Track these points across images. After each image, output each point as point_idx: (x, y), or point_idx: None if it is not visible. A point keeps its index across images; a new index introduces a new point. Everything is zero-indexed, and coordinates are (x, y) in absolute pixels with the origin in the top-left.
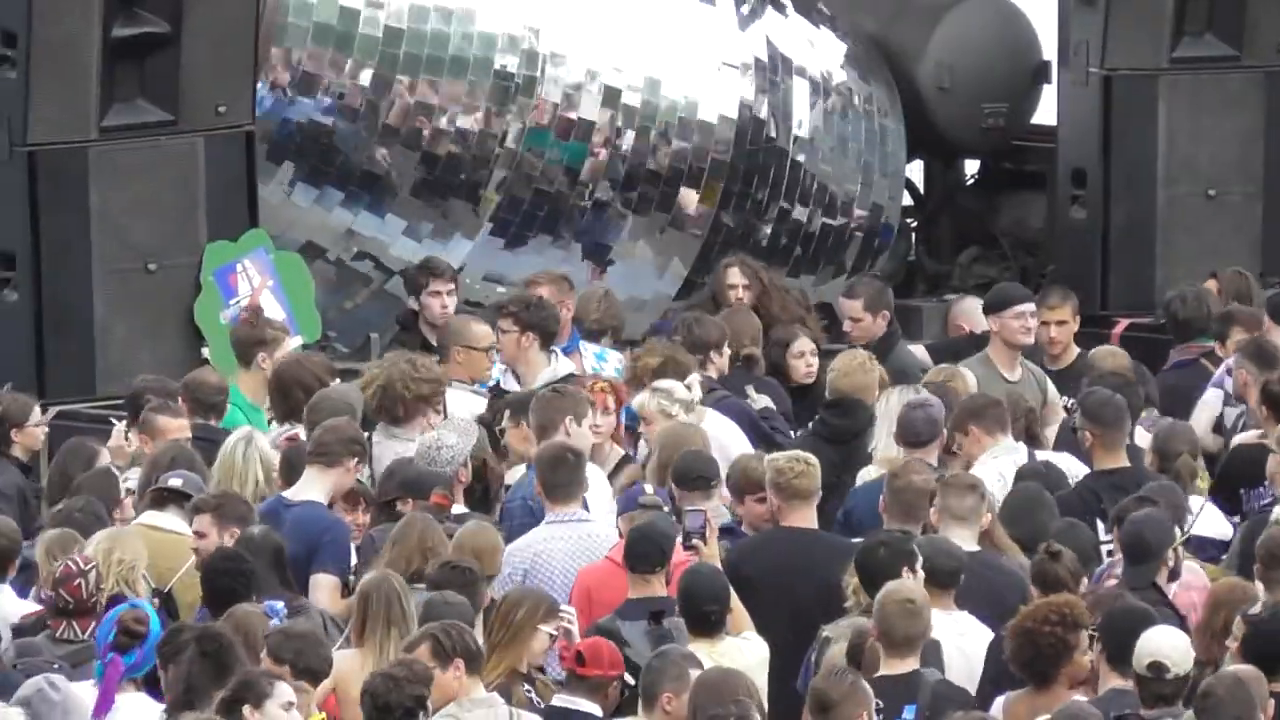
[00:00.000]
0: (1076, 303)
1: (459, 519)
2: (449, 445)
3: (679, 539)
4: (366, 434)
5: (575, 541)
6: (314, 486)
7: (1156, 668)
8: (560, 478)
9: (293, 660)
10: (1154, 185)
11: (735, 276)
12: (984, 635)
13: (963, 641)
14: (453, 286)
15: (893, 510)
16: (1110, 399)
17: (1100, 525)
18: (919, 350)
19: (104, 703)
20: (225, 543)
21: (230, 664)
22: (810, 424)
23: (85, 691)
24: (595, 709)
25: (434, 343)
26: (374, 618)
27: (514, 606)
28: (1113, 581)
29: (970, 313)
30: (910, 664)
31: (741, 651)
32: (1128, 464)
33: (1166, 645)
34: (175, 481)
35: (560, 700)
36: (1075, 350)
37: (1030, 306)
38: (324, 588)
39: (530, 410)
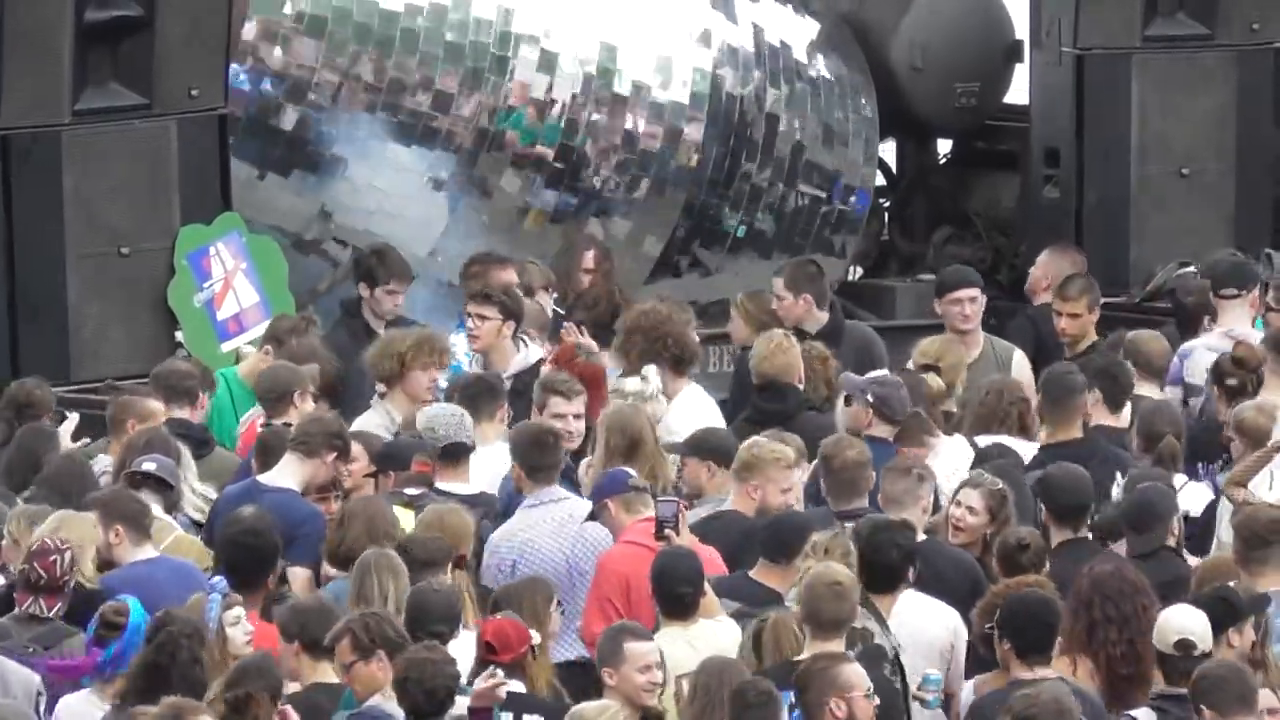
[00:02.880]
0: (1098, 295)
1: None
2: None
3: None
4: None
5: (559, 524)
6: (291, 474)
7: (1184, 645)
8: (545, 459)
9: (299, 634)
10: (1127, 164)
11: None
12: (930, 610)
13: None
14: (406, 288)
15: (835, 490)
16: (1061, 376)
17: None
18: None
19: (61, 674)
20: (109, 540)
21: (171, 679)
22: (743, 411)
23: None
24: (520, 685)
25: (379, 332)
26: (366, 596)
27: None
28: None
29: None
30: (835, 646)
31: (716, 634)
32: (1079, 435)
33: (1191, 622)
34: (149, 465)
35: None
36: (1091, 339)
37: (970, 293)
38: (299, 580)
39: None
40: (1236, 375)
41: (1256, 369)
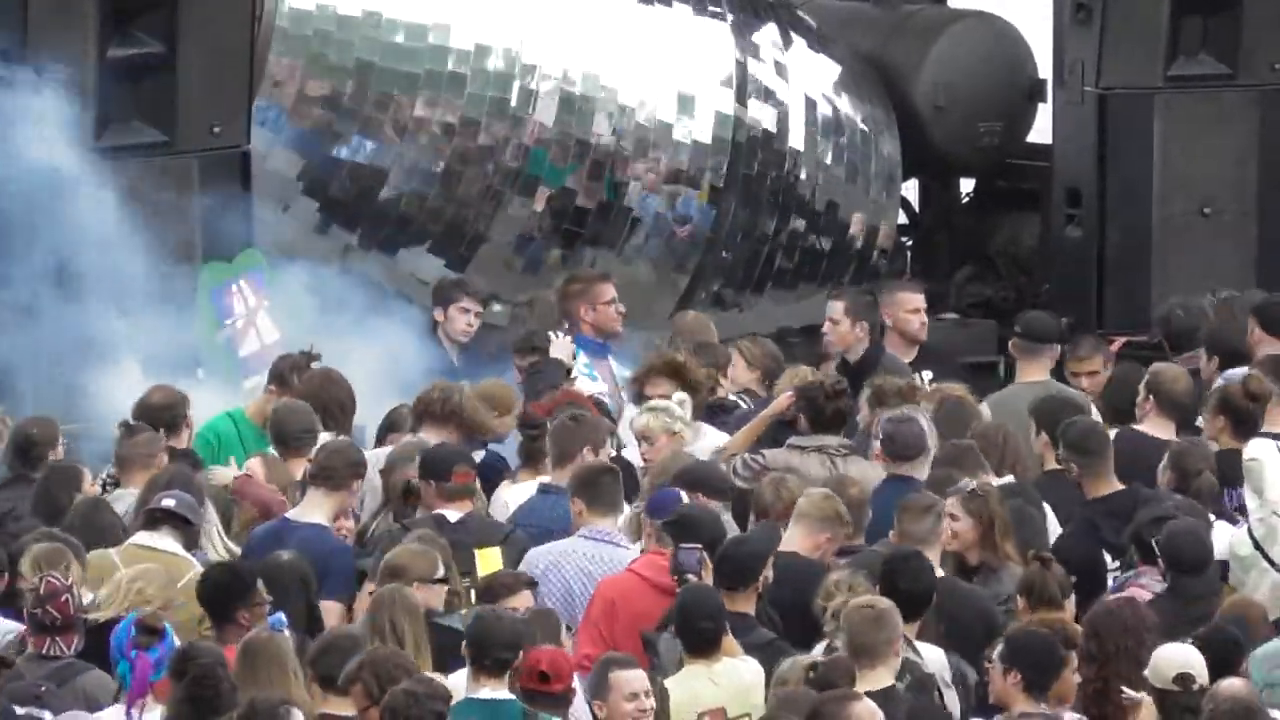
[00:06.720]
0: (1109, 353)
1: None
2: None
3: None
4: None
5: (592, 558)
6: (319, 509)
7: (1184, 679)
8: (604, 497)
9: (314, 666)
10: (1149, 203)
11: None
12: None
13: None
14: (480, 309)
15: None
16: (1092, 429)
17: (1106, 555)
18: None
19: (138, 691)
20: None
21: (220, 708)
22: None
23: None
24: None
25: (452, 359)
26: (379, 631)
27: None
28: (1134, 590)
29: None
30: (883, 678)
31: (739, 672)
32: (1120, 487)
33: (1192, 657)
34: (168, 502)
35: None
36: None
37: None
38: (331, 613)
39: (549, 438)
40: (1247, 407)
41: (1267, 401)
